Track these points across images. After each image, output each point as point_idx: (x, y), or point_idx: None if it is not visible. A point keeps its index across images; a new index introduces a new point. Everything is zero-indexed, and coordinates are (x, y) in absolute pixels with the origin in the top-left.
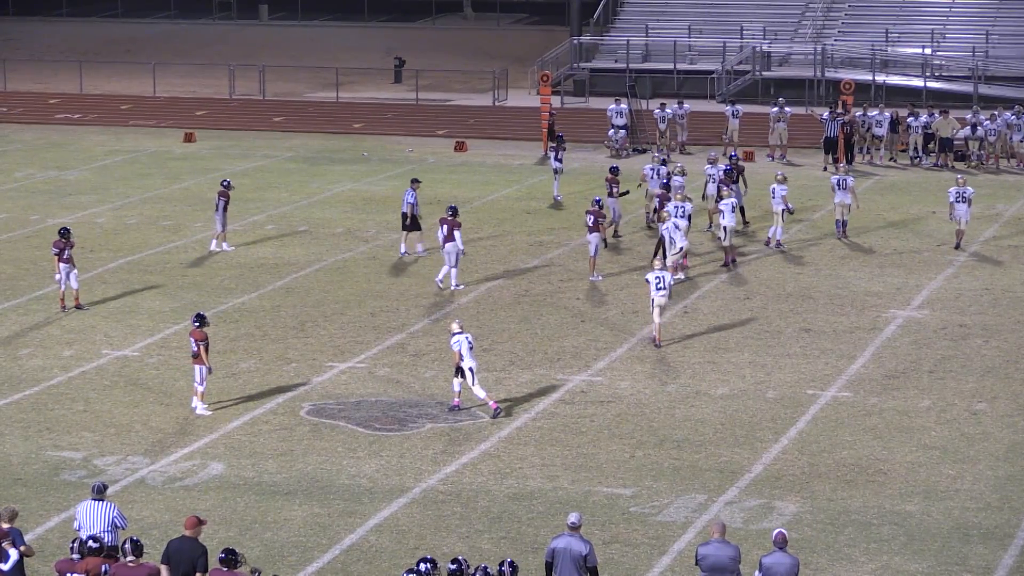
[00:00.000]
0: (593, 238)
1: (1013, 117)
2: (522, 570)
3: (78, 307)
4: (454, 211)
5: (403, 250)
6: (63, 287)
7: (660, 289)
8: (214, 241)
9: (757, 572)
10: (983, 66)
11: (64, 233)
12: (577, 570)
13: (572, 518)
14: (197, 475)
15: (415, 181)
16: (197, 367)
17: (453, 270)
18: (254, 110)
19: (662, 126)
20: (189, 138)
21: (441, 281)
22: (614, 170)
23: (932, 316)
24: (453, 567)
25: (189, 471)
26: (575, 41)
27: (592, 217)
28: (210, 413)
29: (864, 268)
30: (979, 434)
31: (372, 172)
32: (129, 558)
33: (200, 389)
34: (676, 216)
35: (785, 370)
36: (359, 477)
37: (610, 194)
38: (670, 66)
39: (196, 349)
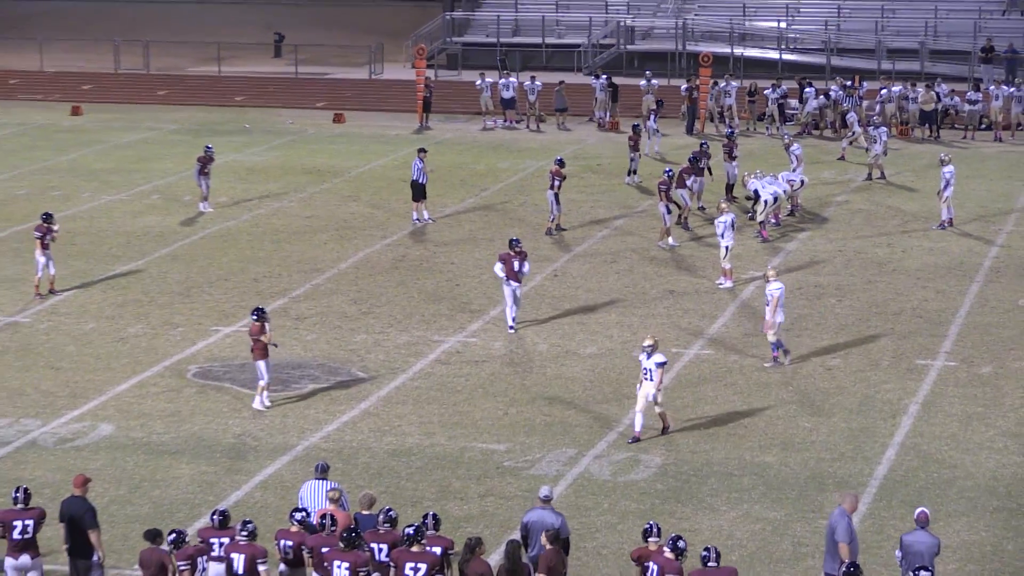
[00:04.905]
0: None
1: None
2: (401, 522)
3: (52, 292)
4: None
5: (415, 217)
6: (40, 272)
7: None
8: (201, 203)
9: (897, 550)
10: (835, 39)
11: (47, 218)
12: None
13: (543, 491)
14: (87, 436)
15: (422, 151)
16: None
17: (512, 308)
18: (139, 84)
19: (531, 98)
20: (76, 111)
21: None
22: (559, 162)
23: (789, 277)
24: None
25: (79, 432)
26: (447, 16)
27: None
28: (266, 407)
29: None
30: (833, 388)
31: (254, 143)
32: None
33: (260, 383)
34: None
35: (650, 329)
36: (244, 436)
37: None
38: (538, 40)
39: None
